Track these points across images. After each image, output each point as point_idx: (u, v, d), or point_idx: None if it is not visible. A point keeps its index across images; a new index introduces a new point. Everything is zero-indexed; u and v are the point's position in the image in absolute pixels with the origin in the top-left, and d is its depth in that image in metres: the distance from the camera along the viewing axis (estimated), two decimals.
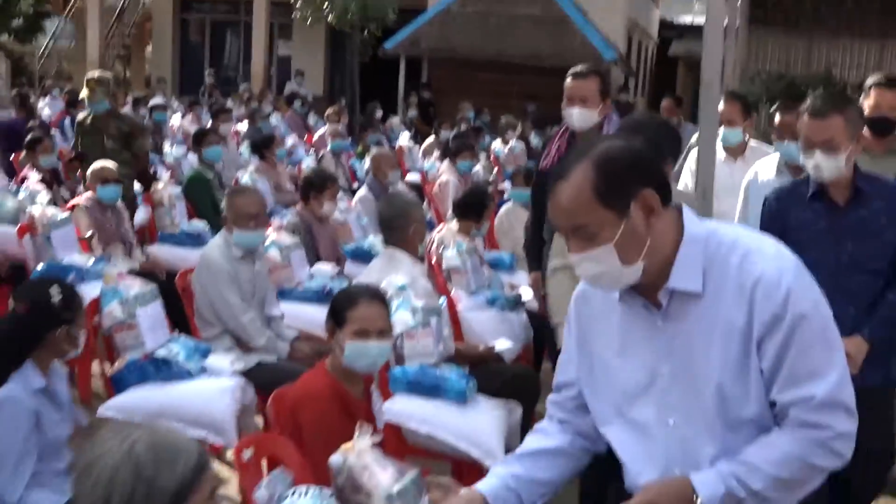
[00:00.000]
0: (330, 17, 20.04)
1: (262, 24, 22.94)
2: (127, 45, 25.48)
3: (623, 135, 2.18)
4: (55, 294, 3.78)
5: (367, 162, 11.51)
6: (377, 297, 3.93)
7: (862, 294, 3.61)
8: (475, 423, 4.53)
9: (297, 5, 20.46)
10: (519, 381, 5.27)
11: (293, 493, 3.27)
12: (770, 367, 2.07)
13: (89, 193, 7.01)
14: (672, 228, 2.11)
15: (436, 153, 12.16)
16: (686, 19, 27.74)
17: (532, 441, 2.50)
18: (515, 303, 5.90)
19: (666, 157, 3.46)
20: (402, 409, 4.22)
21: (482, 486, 2.43)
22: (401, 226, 5.29)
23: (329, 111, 15.67)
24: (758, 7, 16.47)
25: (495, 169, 12.17)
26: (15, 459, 3.54)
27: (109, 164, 6.99)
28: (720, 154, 5.33)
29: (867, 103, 4.52)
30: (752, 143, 5.94)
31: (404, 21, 20.78)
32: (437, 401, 4.50)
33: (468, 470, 4.16)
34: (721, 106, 5.50)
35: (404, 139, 14.29)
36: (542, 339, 5.47)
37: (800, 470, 2.10)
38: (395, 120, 17.12)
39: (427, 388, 4.51)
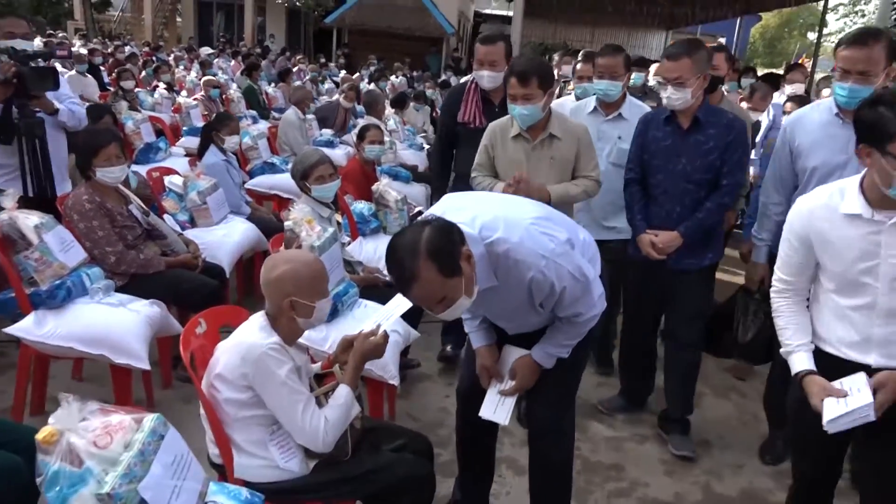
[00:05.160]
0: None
1: (250, 6, 22.08)
2: (166, 17, 24.01)
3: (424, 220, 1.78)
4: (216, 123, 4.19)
5: (325, 84, 12.02)
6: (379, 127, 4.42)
7: (686, 198, 2.82)
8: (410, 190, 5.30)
9: None
10: None
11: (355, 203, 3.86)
12: (552, 308, 1.99)
13: None
14: (470, 257, 1.76)
15: (364, 81, 12.32)
16: (489, 11, 28.01)
17: (481, 326, 2.23)
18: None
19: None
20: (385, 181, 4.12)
21: (484, 341, 2.21)
22: (373, 107, 6.19)
23: (299, 57, 15.70)
24: (529, 5, 16.53)
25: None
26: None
27: None
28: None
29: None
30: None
31: (336, 6, 20.28)
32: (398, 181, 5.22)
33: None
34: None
35: (340, 75, 14.39)
36: None
37: (578, 336, 2.08)
38: (331, 64, 17.00)
39: (392, 173, 5.16)
